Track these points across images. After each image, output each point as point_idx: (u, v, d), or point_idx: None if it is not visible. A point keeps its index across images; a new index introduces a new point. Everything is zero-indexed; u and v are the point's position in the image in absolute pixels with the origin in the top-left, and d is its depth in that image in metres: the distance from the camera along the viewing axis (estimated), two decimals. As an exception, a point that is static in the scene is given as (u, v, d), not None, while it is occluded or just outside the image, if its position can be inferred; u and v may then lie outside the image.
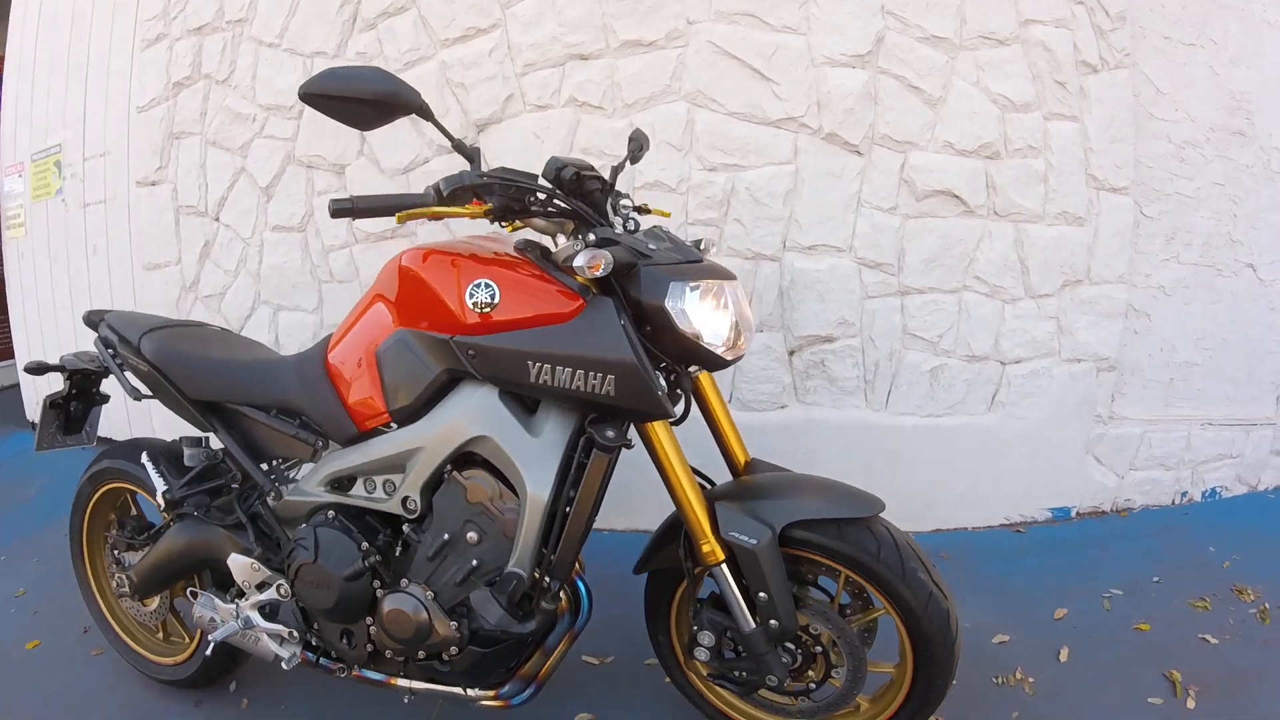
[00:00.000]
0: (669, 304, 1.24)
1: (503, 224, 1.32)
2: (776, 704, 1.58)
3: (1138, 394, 2.63)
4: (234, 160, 3.07)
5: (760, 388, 2.52)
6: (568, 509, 1.35)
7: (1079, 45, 2.38)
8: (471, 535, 1.39)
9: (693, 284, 1.26)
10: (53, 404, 1.95)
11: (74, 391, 1.96)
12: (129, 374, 1.80)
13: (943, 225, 2.39)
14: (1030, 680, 1.77)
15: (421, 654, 1.48)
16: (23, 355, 4.21)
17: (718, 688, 1.61)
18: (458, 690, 1.54)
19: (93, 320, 1.89)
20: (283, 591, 1.60)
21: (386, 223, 2.74)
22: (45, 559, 2.72)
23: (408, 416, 1.43)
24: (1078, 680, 1.79)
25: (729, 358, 1.32)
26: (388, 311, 1.43)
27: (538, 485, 1.32)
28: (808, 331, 2.45)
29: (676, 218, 2.47)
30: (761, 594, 1.34)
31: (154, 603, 1.98)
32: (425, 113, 1.20)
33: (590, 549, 1.75)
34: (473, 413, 1.36)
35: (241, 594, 1.68)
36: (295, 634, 1.62)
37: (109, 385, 2.00)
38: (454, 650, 1.45)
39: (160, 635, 2.04)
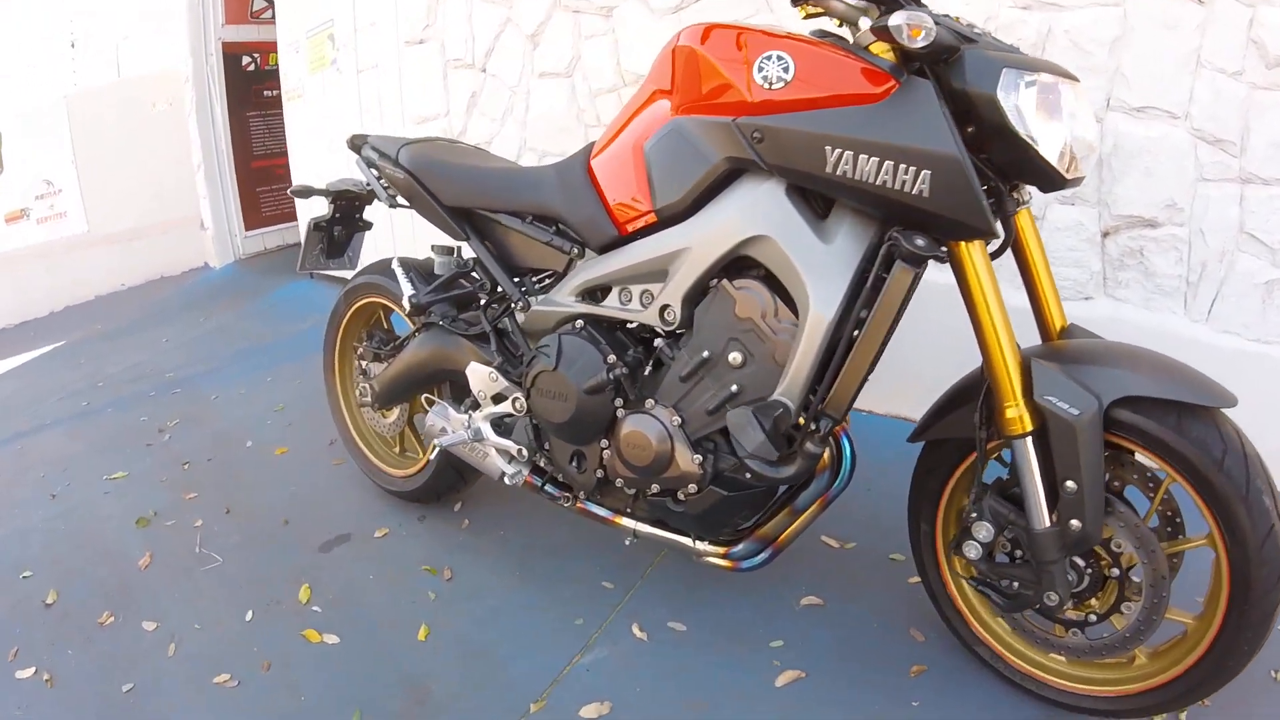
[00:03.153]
0: (1002, 95, 1.01)
1: (794, 4, 1.11)
2: (1037, 631, 1.31)
3: None
4: (500, 11, 3.05)
5: (1064, 271, 2.06)
6: (855, 333, 1.13)
7: None
8: (734, 356, 1.21)
9: (1029, 76, 1.03)
10: (316, 226, 1.98)
11: (337, 215, 1.98)
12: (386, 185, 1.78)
13: (1299, 102, 1.78)
14: (1325, 692, 1.35)
15: (655, 488, 1.36)
16: (304, 216, 4.61)
17: (970, 594, 1.35)
18: (685, 540, 1.40)
19: (356, 143, 1.88)
20: (518, 405, 1.51)
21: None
22: (306, 381, 2.95)
23: (675, 215, 1.27)
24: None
25: (1069, 177, 1.06)
26: (660, 104, 1.28)
27: (823, 301, 1.12)
28: (1129, 211, 1.98)
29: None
30: (1070, 483, 1.08)
31: (393, 415, 2.01)
32: None
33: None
34: (752, 209, 1.18)
35: (476, 406, 1.62)
36: (524, 452, 1.54)
37: (373, 214, 2.02)
38: (693, 489, 1.30)
39: (397, 450, 2.09)
